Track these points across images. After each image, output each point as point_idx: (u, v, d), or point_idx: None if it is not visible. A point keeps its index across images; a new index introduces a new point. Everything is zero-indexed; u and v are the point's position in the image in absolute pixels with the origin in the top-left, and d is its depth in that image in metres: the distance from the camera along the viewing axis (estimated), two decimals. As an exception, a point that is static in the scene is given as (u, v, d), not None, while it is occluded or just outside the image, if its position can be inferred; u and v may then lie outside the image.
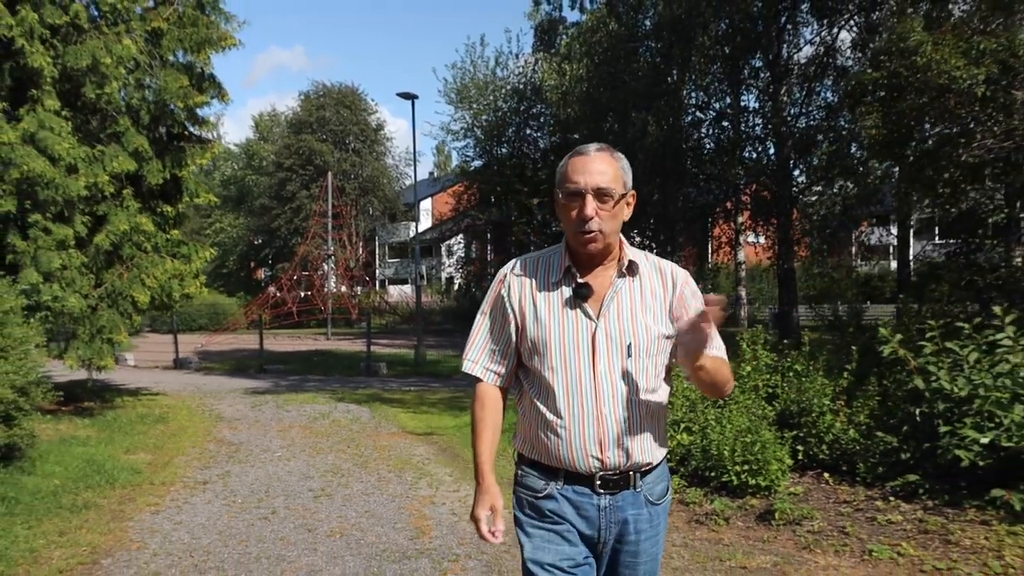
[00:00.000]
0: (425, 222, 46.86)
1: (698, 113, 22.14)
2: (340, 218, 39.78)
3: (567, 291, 2.16)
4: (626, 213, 2.19)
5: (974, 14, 8.21)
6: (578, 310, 2.14)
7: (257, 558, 4.85)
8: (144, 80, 10.56)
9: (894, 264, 28.00)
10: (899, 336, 6.17)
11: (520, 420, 2.27)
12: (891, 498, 5.71)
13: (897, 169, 10.03)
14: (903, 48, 7.65)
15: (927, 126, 8.08)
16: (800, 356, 7.14)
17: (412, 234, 30.98)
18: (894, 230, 24.27)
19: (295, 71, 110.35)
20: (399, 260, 55.24)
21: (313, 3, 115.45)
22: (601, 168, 2.11)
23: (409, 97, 21.39)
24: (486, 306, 2.30)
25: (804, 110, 20.16)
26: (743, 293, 30.80)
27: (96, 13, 10.37)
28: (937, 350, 6.10)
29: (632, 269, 2.19)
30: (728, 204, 22.61)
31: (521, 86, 30.45)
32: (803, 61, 20.25)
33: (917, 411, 6.01)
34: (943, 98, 7.45)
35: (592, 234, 2.09)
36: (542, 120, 30.46)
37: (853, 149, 18.75)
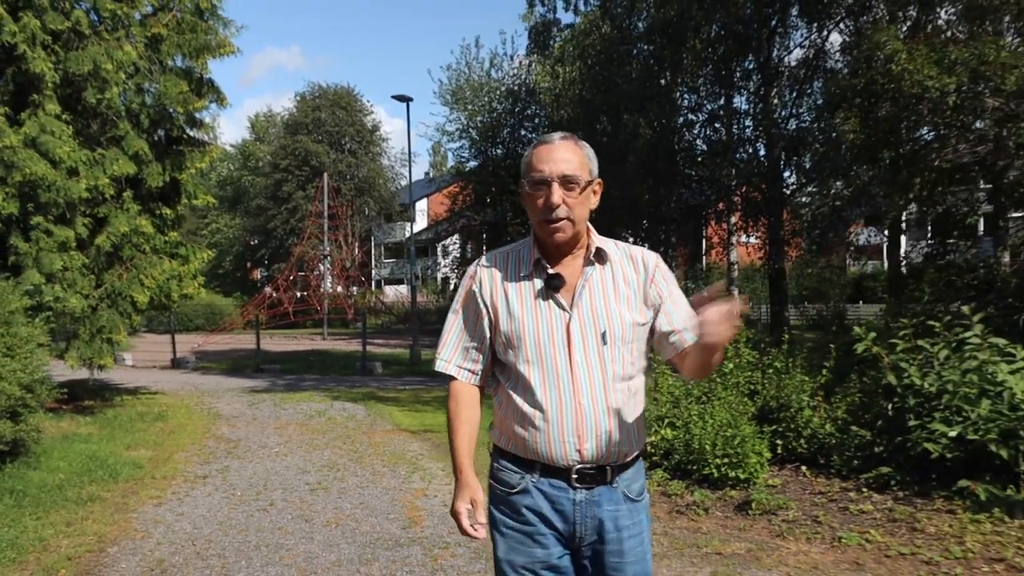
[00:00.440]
0: (421, 222, 47.12)
1: (690, 115, 22.39)
2: (336, 219, 39.98)
3: (538, 283, 2.16)
4: (593, 201, 2.18)
5: (954, 24, 8.48)
6: (551, 301, 2.14)
7: (257, 546, 5.09)
8: (144, 85, 10.79)
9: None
10: (873, 334, 6.42)
11: (496, 413, 2.25)
12: (864, 489, 5.95)
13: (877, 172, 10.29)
14: (879, 56, 7.93)
15: (903, 132, 8.33)
16: (780, 354, 7.39)
17: (408, 234, 31.14)
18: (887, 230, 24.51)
19: (291, 71, 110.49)
20: (395, 260, 55.49)
21: (310, 4, 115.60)
22: (566, 156, 2.10)
23: (404, 100, 21.62)
24: (457, 304, 2.28)
25: (794, 112, 20.43)
26: (736, 293, 31.09)
27: (96, 19, 10.58)
28: (909, 347, 6.36)
29: (601, 256, 2.18)
30: (720, 205, 22.89)
31: (516, 87, 30.72)
32: (793, 64, 20.53)
33: (890, 406, 6.26)
34: (917, 105, 7.72)
35: (560, 222, 2.09)
36: (536, 121, 30.72)
37: (843, 150, 19.02)
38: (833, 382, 7.40)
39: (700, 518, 5.59)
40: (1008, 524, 4.96)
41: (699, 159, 22.09)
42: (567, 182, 2.08)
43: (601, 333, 2.11)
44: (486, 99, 31.44)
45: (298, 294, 37.58)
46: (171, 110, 10.89)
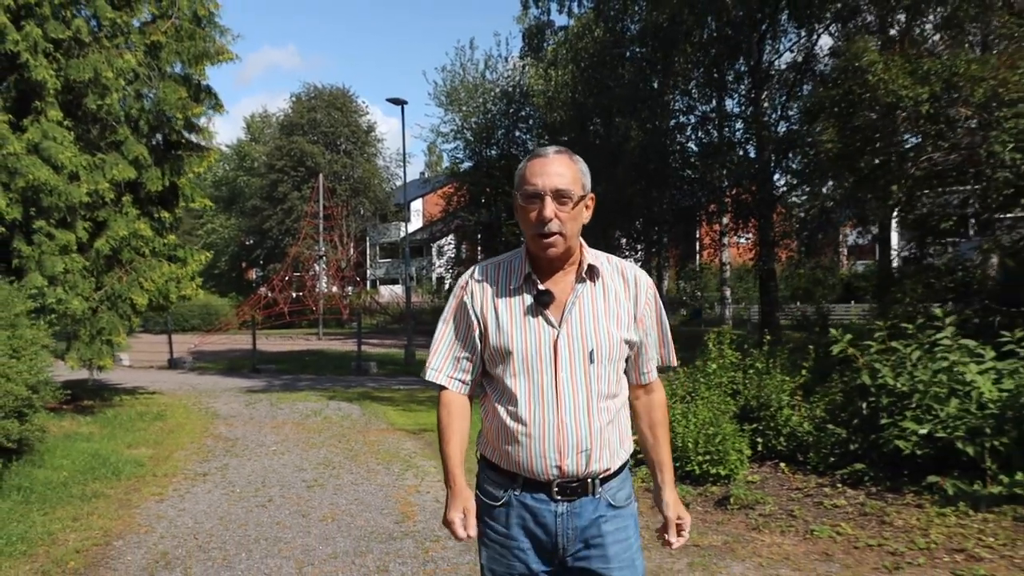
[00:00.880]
0: (416, 223, 47.39)
1: (682, 117, 22.66)
2: (331, 219, 40.20)
3: (528, 298, 2.16)
4: (585, 216, 2.18)
5: (931, 33, 8.74)
6: (540, 317, 2.14)
7: (256, 540, 5.32)
8: (143, 91, 11.00)
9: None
10: (849, 336, 6.68)
11: (483, 424, 2.28)
12: (839, 485, 6.21)
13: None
14: (856, 67, 8.20)
15: (879, 140, 8.58)
16: (761, 355, 7.64)
17: (403, 235, 31.38)
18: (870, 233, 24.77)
19: (287, 70, 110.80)
20: (390, 260, 55.71)
21: (307, 3, 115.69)
22: (559, 170, 2.11)
23: (399, 103, 21.84)
24: (448, 313, 2.29)
25: (784, 115, 20.71)
26: (728, 293, 31.39)
27: (96, 25, 10.79)
28: (883, 349, 6.62)
29: (592, 273, 2.19)
30: (712, 206, 23.16)
31: (510, 89, 30.97)
32: (783, 67, 20.80)
33: (864, 405, 6.51)
34: (893, 114, 7.99)
35: (552, 237, 2.09)
36: (530, 122, 30.99)
37: (822, 159, 19.27)
38: (813, 382, 7.67)
39: (681, 512, 5.83)
40: (972, 517, 5.21)
41: (692, 161, 22.36)
42: (560, 196, 2.09)
43: (589, 352, 2.12)
44: (480, 100, 31.70)
45: (293, 294, 37.78)
46: (170, 116, 11.08)
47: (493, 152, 31.60)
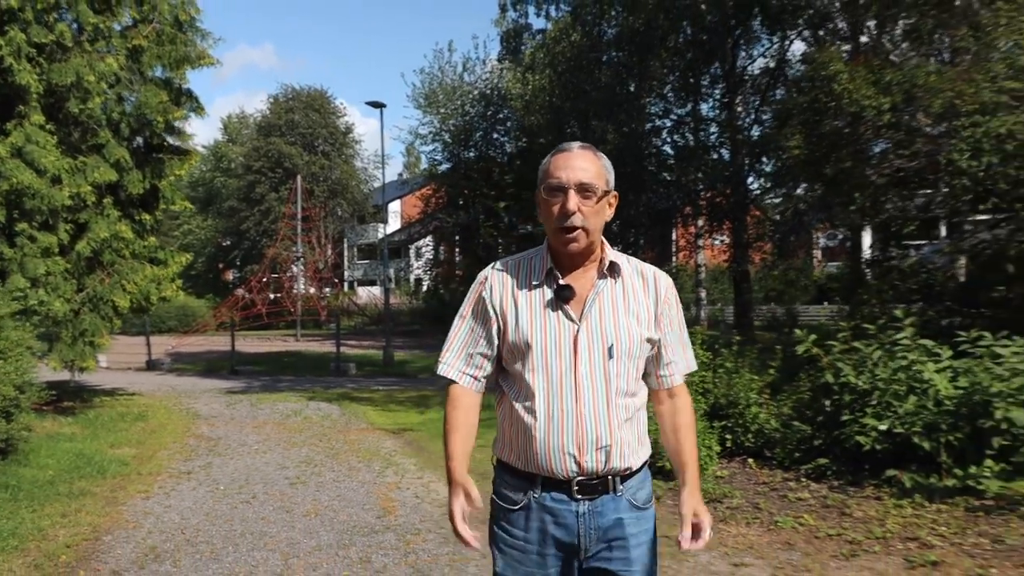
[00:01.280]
0: (394, 224, 47.43)
1: (657, 121, 22.99)
2: (309, 220, 40.22)
3: (548, 293, 2.14)
4: (608, 213, 2.18)
5: (900, 43, 9.06)
6: (560, 312, 2.12)
7: (242, 534, 5.50)
8: (124, 94, 11.11)
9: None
10: (813, 336, 6.96)
11: (500, 425, 2.24)
12: (803, 479, 6.50)
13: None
14: (823, 76, 8.50)
15: (844, 150, 8.90)
16: (731, 355, 7.90)
17: (381, 236, 31.51)
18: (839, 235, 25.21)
19: (264, 69, 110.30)
20: (368, 262, 55.70)
21: (284, 2, 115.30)
22: (583, 165, 2.10)
23: (377, 106, 21.99)
24: (466, 309, 2.26)
25: (758, 119, 21.10)
26: (703, 294, 31.74)
27: (77, 29, 10.88)
28: (846, 348, 6.91)
29: (614, 270, 2.18)
30: (687, 209, 23.51)
31: (488, 92, 31.14)
32: (757, 72, 21.20)
33: (828, 403, 6.79)
34: (856, 123, 8.30)
35: (575, 231, 2.07)
36: (508, 125, 31.16)
37: (790, 165, 19.66)
38: (781, 381, 7.96)
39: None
40: (927, 508, 5.50)
41: (668, 163, 22.69)
42: (584, 190, 2.08)
43: (608, 347, 2.11)
44: (459, 103, 31.83)
45: (271, 295, 37.76)
46: (151, 119, 11.18)
47: (471, 154, 31.74)
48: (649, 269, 2.25)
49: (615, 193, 2.19)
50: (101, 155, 10.69)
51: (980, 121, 7.26)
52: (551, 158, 2.16)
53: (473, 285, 2.26)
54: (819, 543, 5.05)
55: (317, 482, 7.14)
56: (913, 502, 5.62)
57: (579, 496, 2.10)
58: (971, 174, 7.28)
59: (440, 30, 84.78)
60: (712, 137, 22.10)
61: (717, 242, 24.72)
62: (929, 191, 8.74)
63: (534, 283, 2.16)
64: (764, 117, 20.86)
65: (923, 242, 10.40)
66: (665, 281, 2.24)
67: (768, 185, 21.16)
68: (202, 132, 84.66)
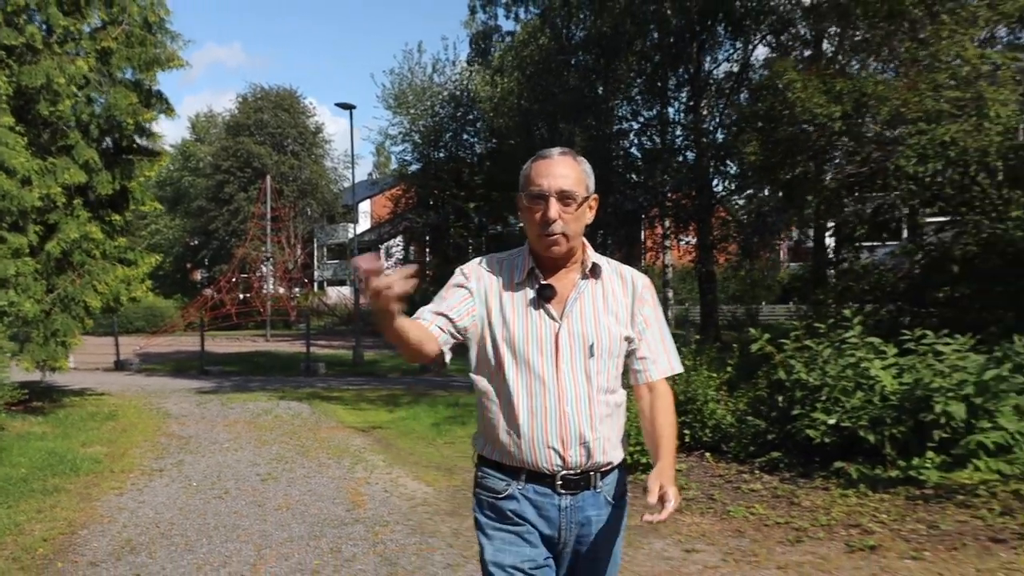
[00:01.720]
0: (364, 224, 47.47)
1: (624, 124, 23.33)
2: (279, 220, 40.12)
3: (530, 292, 2.19)
4: (588, 216, 2.22)
5: (860, 49, 9.40)
6: (541, 311, 2.17)
7: (215, 527, 5.68)
8: (94, 96, 11.18)
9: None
10: (767, 335, 7.26)
11: (480, 420, 2.28)
12: (757, 471, 6.80)
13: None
14: (778, 85, 8.83)
15: (798, 156, 9.24)
16: (689, 353, 8.19)
17: (351, 236, 31.57)
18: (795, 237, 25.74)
19: (232, 67, 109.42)
20: (338, 261, 55.57)
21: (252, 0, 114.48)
22: (564, 172, 2.14)
23: (347, 107, 22.10)
24: (445, 291, 2.26)
25: (722, 123, 21.50)
26: (670, 294, 32.18)
27: (46, 30, 10.92)
28: (798, 347, 7.22)
29: (595, 272, 2.23)
30: (654, 210, 23.88)
31: (458, 93, 31.35)
32: (721, 77, 21.62)
33: (780, 398, 7.10)
34: (808, 129, 8.65)
35: (555, 236, 2.12)
36: (478, 126, 31.41)
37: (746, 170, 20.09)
38: (739, 378, 8.27)
39: (612, 498, 6.33)
40: (870, 497, 5.81)
41: (636, 165, 23.02)
42: (564, 197, 2.12)
43: (589, 345, 2.16)
44: (428, 104, 32.01)
45: (240, 295, 37.63)
46: (120, 121, 11.25)
47: (441, 155, 31.95)
48: (627, 270, 2.31)
49: (595, 196, 2.25)
50: (70, 156, 10.75)
51: (925, 129, 7.61)
52: (532, 165, 2.20)
53: (455, 274, 2.28)
54: (767, 530, 5.33)
55: (288, 478, 7.32)
56: (858, 492, 5.93)
57: (562, 491, 2.16)
58: (918, 179, 7.64)
59: (410, 31, 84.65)
60: (678, 140, 22.48)
61: (683, 243, 25.11)
62: (881, 194, 9.12)
63: (516, 282, 2.21)
64: (728, 121, 21.27)
65: (877, 244, 10.77)
66: (642, 281, 2.30)
67: (732, 188, 21.60)
68: (170, 131, 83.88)
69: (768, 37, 19.98)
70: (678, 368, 2.36)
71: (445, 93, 31.82)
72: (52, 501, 6.41)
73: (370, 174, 60.20)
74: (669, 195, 22.41)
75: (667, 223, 24.44)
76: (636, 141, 23.53)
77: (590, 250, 2.26)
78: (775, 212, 20.25)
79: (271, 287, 38.59)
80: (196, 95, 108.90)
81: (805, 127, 8.66)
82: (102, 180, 11.10)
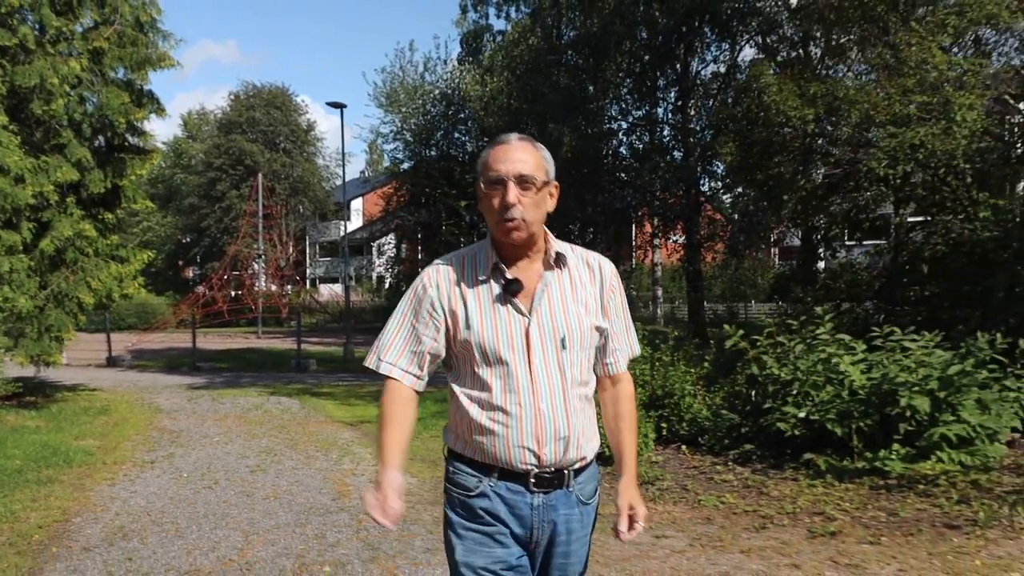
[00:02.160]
0: (356, 222, 47.64)
1: (613, 124, 23.57)
2: (270, 218, 40.26)
3: (496, 288, 2.13)
4: (549, 204, 2.17)
5: (824, 59, 9.64)
6: (509, 306, 2.12)
7: (205, 515, 5.88)
8: (86, 95, 11.35)
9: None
10: (741, 331, 7.50)
11: (452, 417, 2.23)
12: (730, 463, 7.04)
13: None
14: (756, 88, 9.06)
15: (774, 158, 9.48)
16: (668, 348, 8.42)
17: (342, 234, 31.72)
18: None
19: (227, 64, 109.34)
20: (330, 259, 55.80)
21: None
22: (522, 156, 2.09)
23: (339, 106, 22.27)
24: (407, 306, 2.22)
25: (710, 123, 21.75)
26: (660, 292, 32.50)
27: (39, 30, 11.07)
28: (772, 343, 7.46)
29: (560, 261, 2.18)
30: (643, 209, 24.12)
31: (449, 92, 31.54)
32: (708, 77, 21.86)
33: (753, 393, 7.34)
34: (783, 132, 8.89)
35: (515, 222, 2.06)
36: (469, 124, 31.60)
37: (724, 171, 20.38)
38: (717, 374, 8.52)
39: (589, 488, 6.56)
40: (836, 487, 6.05)
41: (625, 164, 23.26)
42: (523, 182, 2.07)
43: (560, 339, 2.12)
44: (420, 102, 32.19)
45: (232, 293, 37.78)
46: (112, 120, 11.41)
47: (432, 153, 32.14)
48: (594, 257, 2.26)
49: (556, 184, 2.19)
50: (63, 155, 10.92)
51: (895, 132, 7.85)
52: (490, 150, 2.15)
53: (415, 283, 2.23)
54: (735, 518, 5.56)
55: (277, 469, 7.52)
56: (825, 482, 6.17)
57: (535, 489, 2.12)
58: (888, 181, 7.87)
59: (404, 29, 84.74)
60: (667, 140, 22.72)
61: (672, 241, 25.38)
62: (855, 195, 9.37)
63: (480, 278, 2.15)
64: (714, 121, 21.51)
65: (853, 244, 11.02)
66: (609, 268, 2.26)
67: (719, 187, 21.87)
68: (162, 128, 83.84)
69: (756, 38, 20.24)
70: (637, 351, 2.38)
71: (436, 92, 32.01)
72: (46, 491, 6.60)
73: (362, 172, 60.33)
74: (658, 194, 22.66)
75: (656, 222, 24.73)
76: (625, 140, 23.80)
77: (553, 239, 2.20)
78: (760, 212, 20.57)
79: (263, 284, 38.74)
80: (190, 92, 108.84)
81: (780, 129, 8.90)
82: (94, 178, 11.27)
